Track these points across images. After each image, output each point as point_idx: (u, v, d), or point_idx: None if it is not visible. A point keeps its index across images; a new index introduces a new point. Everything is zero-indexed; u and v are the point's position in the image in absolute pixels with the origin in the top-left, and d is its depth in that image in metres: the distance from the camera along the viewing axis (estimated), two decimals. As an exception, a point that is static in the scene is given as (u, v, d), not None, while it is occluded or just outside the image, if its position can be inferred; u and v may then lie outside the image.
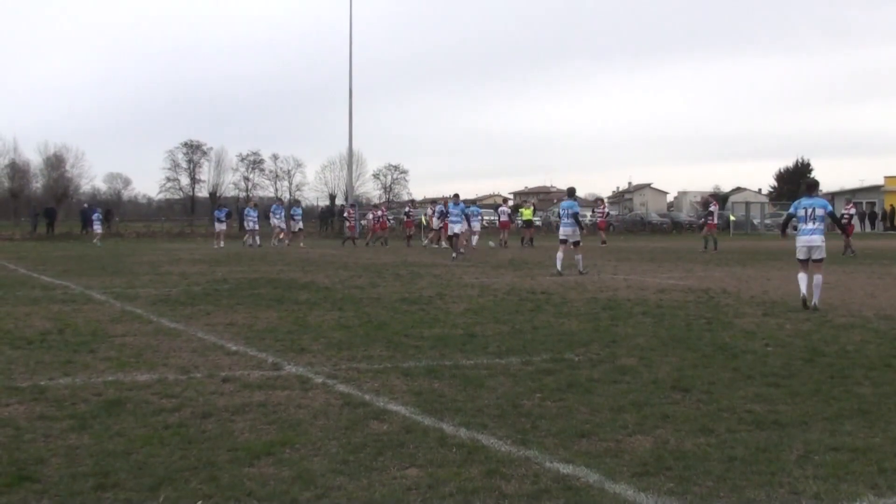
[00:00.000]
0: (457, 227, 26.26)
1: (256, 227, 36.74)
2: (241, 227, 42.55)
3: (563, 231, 19.86)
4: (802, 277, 12.63)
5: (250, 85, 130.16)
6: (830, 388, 7.01)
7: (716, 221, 31.93)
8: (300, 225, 39.87)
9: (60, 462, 5.06)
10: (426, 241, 35.63)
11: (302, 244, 37.03)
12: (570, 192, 20.61)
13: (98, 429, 5.79)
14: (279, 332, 10.23)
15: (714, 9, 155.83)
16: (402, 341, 9.46)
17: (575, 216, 19.46)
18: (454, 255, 25.32)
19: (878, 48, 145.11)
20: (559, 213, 20.92)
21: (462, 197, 47.66)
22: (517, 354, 8.64)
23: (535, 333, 10.03)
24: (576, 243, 19.45)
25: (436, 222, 34.07)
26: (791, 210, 13.28)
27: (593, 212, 50.15)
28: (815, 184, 13.56)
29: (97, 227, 43.64)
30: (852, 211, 32.48)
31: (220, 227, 37.07)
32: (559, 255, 19.33)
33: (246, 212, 38.70)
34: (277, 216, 38.28)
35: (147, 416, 6.12)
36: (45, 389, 6.98)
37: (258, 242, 35.96)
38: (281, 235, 37.81)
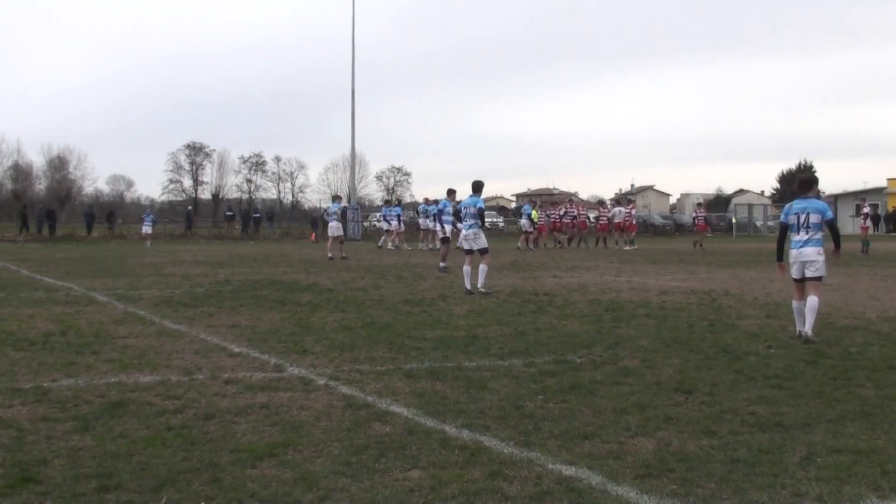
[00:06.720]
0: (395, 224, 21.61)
1: (402, 227, 34.39)
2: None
3: (465, 234, 15.70)
4: (797, 307, 9.68)
5: (252, 87, 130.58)
6: (833, 390, 7.00)
7: (868, 224, 31.58)
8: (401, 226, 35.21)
9: (63, 463, 5.06)
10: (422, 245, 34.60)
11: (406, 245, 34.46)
12: (476, 187, 15.76)
13: (101, 430, 5.79)
14: (282, 333, 10.23)
15: (718, 10, 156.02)
16: (404, 343, 9.46)
17: (480, 213, 15.51)
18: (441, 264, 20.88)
19: (882, 49, 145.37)
20: (461, 214, 16.11)
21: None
22: (520, 356, 8.63)
23: (537, 335, 10.03)
24: (482, 251, 15.34)
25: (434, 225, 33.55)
26: (782, 219, 10.09)
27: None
28: (811, 180, 10.06)
29: (147, 229, 41.14)
30: None
31: (394, 225, 29.30)
32: (466, 268, 15.25)
33: (385, 211, 36.23)
34: (430, 217, 32.59)
35: (150, 418, 6.12)
36: (48, 391, 6.99)
37: (397, 244, 34.05)
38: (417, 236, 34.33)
